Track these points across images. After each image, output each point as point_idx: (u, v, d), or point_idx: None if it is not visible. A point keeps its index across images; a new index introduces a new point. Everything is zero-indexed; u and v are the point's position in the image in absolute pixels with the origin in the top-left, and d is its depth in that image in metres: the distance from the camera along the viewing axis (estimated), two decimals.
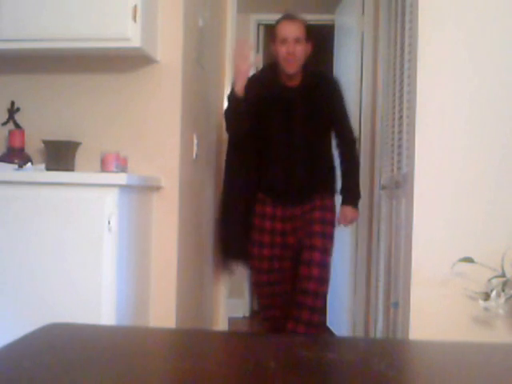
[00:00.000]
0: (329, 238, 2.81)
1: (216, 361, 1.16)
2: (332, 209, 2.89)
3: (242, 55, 2.62)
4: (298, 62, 2.78)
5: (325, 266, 2.76)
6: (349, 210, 2.91)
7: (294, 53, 2.74)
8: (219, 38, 3.56)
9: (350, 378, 1.07)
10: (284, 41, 2.76)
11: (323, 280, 2.73)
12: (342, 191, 2.94)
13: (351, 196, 2.93)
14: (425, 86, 2.17)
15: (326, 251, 2.77)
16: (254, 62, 2.74)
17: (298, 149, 2.83)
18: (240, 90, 2.65)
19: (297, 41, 2.76)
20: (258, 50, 4.76)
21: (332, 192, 2.94)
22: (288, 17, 2.81)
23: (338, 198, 2.95)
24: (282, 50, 2.76)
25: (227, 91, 3.62)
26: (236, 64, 2.65)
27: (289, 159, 2.84)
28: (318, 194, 2.87)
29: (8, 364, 1.05)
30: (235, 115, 2.75)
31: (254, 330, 4.34)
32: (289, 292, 2.87)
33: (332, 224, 2.87)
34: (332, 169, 2.95)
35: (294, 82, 2.84)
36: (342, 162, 2.97)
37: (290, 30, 2.75)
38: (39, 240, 2.28)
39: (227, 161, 3.04)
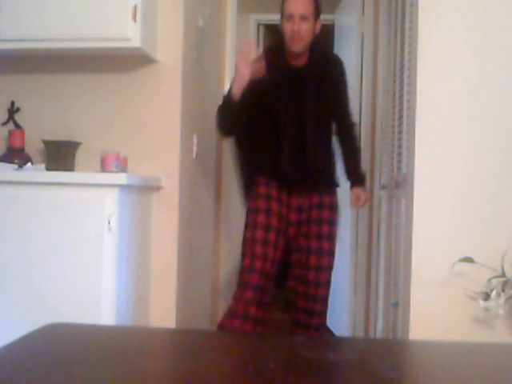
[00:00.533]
0: (335, 240, 2.76)
1: (216, 361, 1.16)
2: (338, 208, 2.82)
3: (246, 60, 2.49)
4: (303, 40, 2.62)
5: (331, 269, 2.73)
6: (361, 191, 2.83)
7: (299, 31, 2.59)
8: (219, 37, 3.56)
9: (350, 377, 1.07)
10: (290, 17, 2.60)
11: (329, 284, 2.72)
12: (351, 174, 2.86)
13: (361, 177, 2.87)
14: (425, 85, 2.17)
15: (333, 254, 2.74)
16: (255, 59, 2.50)
17: (307, 133, 2.70)
18: (237, 93, 2.52)
19: (303, 18, 2.59)
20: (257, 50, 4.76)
21: (336, 187, 2.84)
22: None
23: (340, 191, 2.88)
24: (288, 27, 2.61)
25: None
26: (238, 67, 2.52)
27: (299, 143, 2.70)
28: (325, 188, 2.77)
29: (8, 364, 1.05)
30: (227, 115, 2.61)
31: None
32: (270, 271, 2.60)
33: (337, 225, 2.81)
34: (334, 159, 2.86)
35: (301, 62, 2.70)
36: (345, 146, 2.89)
37: (297, 6, 2.60)
38: (39, 240, 2.28)
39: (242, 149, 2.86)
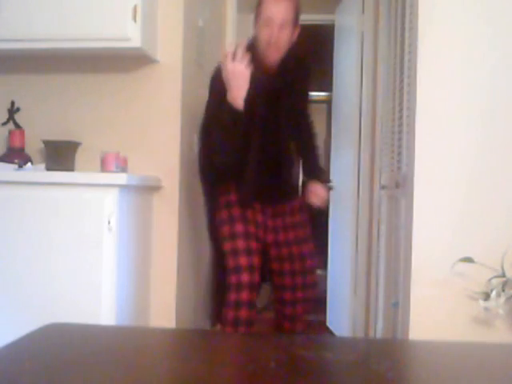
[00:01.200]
0: (311, 239, 2.69)
1: (216, 361, 1.16)
2: (305, 208, 2.72)
3: (240, 69, 2.19)
4: (280, 50, 2.36)
5: (315, 270, 2.72)
6: (321, 188, 2.68)
7: (277, 40, 2.33)
8: (219, 38, 3.56)
9: (350, 378, 1.07)
10: (268, 22, 2.32)
11: (316, 284, 2.71)
12: (312, 170, 2.74)
13: (322, 174, 2.76)
14: (425, 85, 2.17)
15: (313, 255, 2.69)
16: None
17: (280, 143, 2.56)
18: (241, 102, 2.24)
19: (282, 25, 2.32)
20: None
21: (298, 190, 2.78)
22: None
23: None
24: (265, 33, 2.33)
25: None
26: (231, 69, 2.22)
27: (272, 156, 2.53)
28: (295, 194, 2.71)
29: (8, 364, 1.05)
30: (232, 136, 2.31)
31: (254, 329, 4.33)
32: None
33: (309, 225, 2.71)
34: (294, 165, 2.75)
35: (273, 67, 2.45)
36: (305, 144, 2.76)
37: (277, 12, 2.31)
38: (39, 240, 2.28)
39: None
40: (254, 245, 2.45)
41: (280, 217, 2.63)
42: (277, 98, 2.48)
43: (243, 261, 2.38)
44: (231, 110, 2.25)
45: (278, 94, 2.48)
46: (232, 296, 2.37)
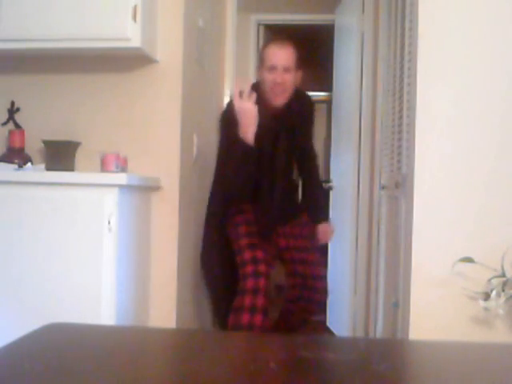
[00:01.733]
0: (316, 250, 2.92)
1: (216, 361, 1.16)
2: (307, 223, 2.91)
3: (244, 96, 2.36)
4: (286, 92, 2.58)
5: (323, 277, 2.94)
6: (328, 226, 2.93)
7: (282, 83, 2.55)
8: (219, 37, 3.56)
9: (350, 378, 1.07)
10: (272, 69, 2.56)
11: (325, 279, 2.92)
12: (316, 210, 2.92)
13: (325, 214, 3.02)
14: (425, 86, 2.17)
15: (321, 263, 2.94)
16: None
17: (279, 177, 2.73)
18: (251, 137, 2.40)
19: (286, 70, 2.56)
20: (258, 51, 4.76)
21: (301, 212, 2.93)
22: (278, 42, 2.63)
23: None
24: (269, 78, 2.56)
25: (227, 91, 3.63)
26: (240, 107, 2.38)
27: (271, 187, 2.72)
28: (299, 213, 2.89)
29: (8, 364, 1.05)
30: (246, 168, 2.49)
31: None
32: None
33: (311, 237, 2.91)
34: (296, 194, 2.99)
35: (278, 108, 2.65)
36: (309, 180, 2.95)
37: (280, 58, 2.55)
38: (39, 240, 2.28)
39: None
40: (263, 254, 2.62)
41: (282, 238, 2.83)
42: (276, 136, 2.66)
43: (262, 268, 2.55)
44: (243, 144, 2.42)
45: (278, 133, 2.66)
46: (247, 300, 2.51)
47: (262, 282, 2.52)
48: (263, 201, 2.68)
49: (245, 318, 2.49)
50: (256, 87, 2.60)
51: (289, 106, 2.66)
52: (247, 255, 2.59)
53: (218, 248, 2.81)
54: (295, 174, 2.96)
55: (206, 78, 3.23)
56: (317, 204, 2.94)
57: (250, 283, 2.52)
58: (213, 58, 3.36)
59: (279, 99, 2.59)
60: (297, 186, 2.93)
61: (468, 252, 2.05)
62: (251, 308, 2.50)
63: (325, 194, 3.14)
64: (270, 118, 2.59)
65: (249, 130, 2.40)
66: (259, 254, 2.58)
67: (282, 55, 2.56)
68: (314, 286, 2.81)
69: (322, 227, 2.89)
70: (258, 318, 2.50)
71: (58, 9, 2.42)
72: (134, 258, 2.48)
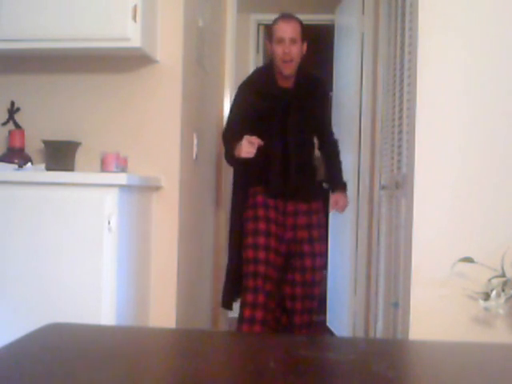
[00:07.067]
0: (325, 240, 3.06)
1: (216, 361, 1.16)
2: (323, 211, 3.04)
3: (251, 144, 2.61)
4: (294, 62, 2.82)
5: (322, 268, 3.00)
6: (341, 196, 3.07)
7: (290, 53, 2.78)
8: (219, 38, 3.56)
9: (350, 377, 1.07)
10: (280, 41, 2.80)
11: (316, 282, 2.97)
12: (333, 181, 3.11)
13: (342, 184, 3.11)
14: (425, 85, 2.17)
15: (323, 254, 3.03)
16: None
17: (292, 150, 2.88)
18: (240, 158, 2.68)
19: (293, 41, 2.80)
20: (258, 51, 4.76)
21: (319, 193, 3.08)
22: (284, 17, 2.85)
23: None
24: (279, 50, 2.80)
25: (227, 91, 3.64)
26: (245, 147, 2.62)
27: (284, 160, 2.88)
28: (311, 197, 2.96)
29: (8, 364, 1.05)
30: (236, 164, 2.87)
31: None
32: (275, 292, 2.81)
33: (324, 227, 3.07)
34: (316, 172, 3.08)
35: (289, 84, 2.89)
36: (329, 159, 3.15)
37: (286, 30, 2.80)
38: (39, 240, 2.28)
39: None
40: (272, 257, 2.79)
41: (292, 216, 2.89)
42: (288, 107, 2.87)
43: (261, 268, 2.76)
44: (235, 157, 2.70)
45: (289, 104, 2.87)
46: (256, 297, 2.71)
47: (261, 282, 2.73)
48: (276, 178, 2.85)
49: (246, 315, 2.71)
50: (268, 66, 2.98)
51: (298, 82, 2.90)
52: (250, 255, 2.79)
53: (237, 232, 2.94)
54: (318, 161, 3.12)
55: (206, 78, 3.23)
56: (336, 175, 3.12)
57: (250, 283, 2.74)
58: (213, 57, 3.36)
59: (288, 68, 2.82)
60: (315, 169, 3.04)
61: (468, 252, 2.05)
62: (252, 307, 2.73)
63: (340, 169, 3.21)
64: (281, 91, 2.87)
65: (241, 155, 2.63)
66: (261, 255, 2.76)
67: (289, 28, 2.80)
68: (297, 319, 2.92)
69: (335, 196, 3.06)
70: (259, 315, 2.71)
71: (57, 9, 2.42)
72: (134, 258, 2.48)
